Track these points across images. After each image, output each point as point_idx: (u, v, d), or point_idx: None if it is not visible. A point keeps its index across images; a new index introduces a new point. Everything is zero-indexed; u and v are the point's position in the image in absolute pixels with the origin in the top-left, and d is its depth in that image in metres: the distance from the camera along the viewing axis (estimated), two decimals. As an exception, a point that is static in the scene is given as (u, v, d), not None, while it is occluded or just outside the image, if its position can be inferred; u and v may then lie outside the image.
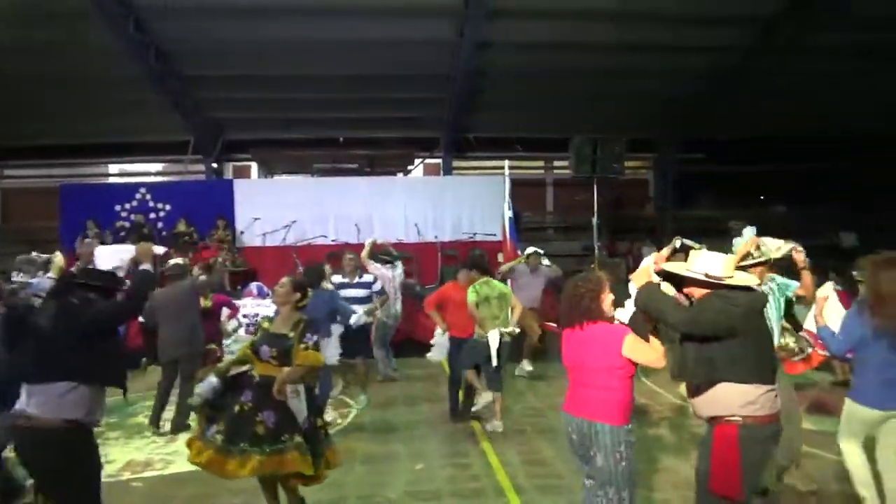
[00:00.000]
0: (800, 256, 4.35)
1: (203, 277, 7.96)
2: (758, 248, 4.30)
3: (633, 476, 3.32)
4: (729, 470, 3.07)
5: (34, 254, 5.81)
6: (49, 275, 4.40)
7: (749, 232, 4.92)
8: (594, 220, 11.22)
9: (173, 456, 5.91)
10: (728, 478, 3.07)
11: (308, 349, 3.97)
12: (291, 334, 4.00)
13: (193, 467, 5.48)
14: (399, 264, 9.06)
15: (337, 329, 6.72)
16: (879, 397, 3.93)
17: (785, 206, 17.58)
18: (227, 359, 4.50)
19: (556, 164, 17.13)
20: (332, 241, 11.96)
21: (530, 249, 9.24)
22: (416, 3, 10.60)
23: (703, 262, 3.25)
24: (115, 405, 7.64)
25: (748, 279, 3.33)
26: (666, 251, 3.67)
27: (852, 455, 4.15)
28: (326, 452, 4.05)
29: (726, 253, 3.67)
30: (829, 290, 7.42)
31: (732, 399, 3.11)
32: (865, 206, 16.07)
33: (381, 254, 8.81)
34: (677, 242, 3.56)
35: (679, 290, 3.42)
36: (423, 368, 9.20)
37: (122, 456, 5.97)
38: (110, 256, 4.21)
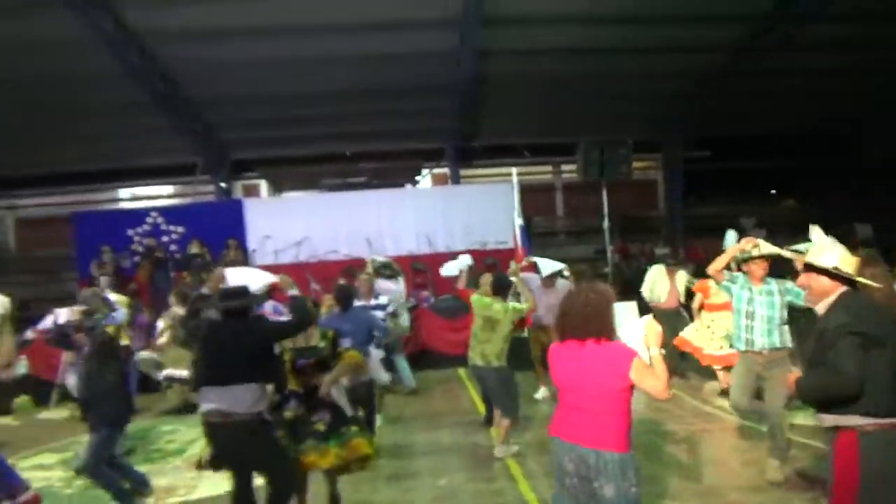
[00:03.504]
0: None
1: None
2: (755, 246, 4.99)
3: (640, 499, 3.00)
4: None
5: (96, 289, 6.42)
6: (204, 289, 4.91)
7: (732, 236, 5.59)
8: (605, 223, 11.19)
9: (196, 481, 5.90)
10: None
11: (347, 351, 4.71)
12: (322, 344, 4.57)
13: (217, 492, 5.53)
14: (401, 279, 9.03)
15: (378, 353, 6.73)
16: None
17: (796, 200, 17.48)
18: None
19: (564, 167, 17.12)
20: (345, 255, 11.94)
21: (549, 265, 7.99)
22: (416, 14, 10.58)
23: (831, 256, 3.07)
24: (138, 431, 7.71)
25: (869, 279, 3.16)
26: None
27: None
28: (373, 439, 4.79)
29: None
30: None
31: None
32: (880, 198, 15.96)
33: (383, 268, 8.88)
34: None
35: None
36: (442, 383, 9.17)
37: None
38: (249, 281, 4.71)
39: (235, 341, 4.00)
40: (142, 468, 6.38)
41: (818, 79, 13.08)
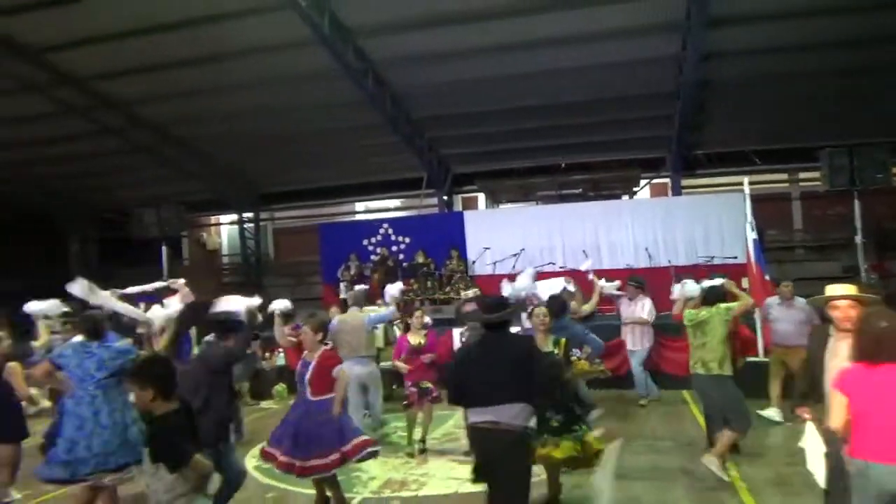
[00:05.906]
0: None
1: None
2: None
3: None
4: None
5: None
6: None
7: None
8: (857, 237, 9.93)
9: (425, 478, 6.32)
10: None
11: (579, 360, 5.23)
12: (556, 351, 5.02)
13: (445, 490, 5.87)
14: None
15: None
16: None
17: None
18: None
19: (802, 175, 15.49)
20: (561, 268, 11.95)
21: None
22: (636, 21, 10.27)
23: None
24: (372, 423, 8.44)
25: None
26: None
27: None
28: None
29: None
30: None
31: None
32: None
33: (632, 281, 9.20)
34: None
35: None
36: (665, 404, 8.80)
37: (382, 474, 6.50)
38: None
39: (502, 358, 4.03)
40: (377, 461, 6.96)
41: None
